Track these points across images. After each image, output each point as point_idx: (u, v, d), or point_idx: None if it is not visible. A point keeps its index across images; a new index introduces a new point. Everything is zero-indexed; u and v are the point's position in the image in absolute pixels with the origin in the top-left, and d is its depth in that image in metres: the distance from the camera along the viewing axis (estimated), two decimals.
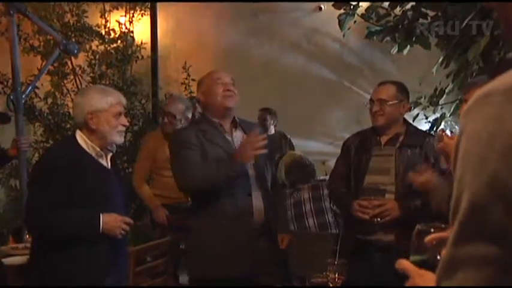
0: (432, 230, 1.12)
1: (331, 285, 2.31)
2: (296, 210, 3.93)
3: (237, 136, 3.02)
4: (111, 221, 2.57)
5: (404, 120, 3.13)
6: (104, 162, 2.67)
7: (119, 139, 2.69)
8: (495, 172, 0.70)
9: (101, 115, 2.62)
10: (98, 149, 2.64)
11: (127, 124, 2.75)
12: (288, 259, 3.08)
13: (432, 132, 4.16)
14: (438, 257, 1.02)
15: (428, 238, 1.09)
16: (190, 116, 4.16)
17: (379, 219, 2.89)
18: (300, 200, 3.90)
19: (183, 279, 3.96)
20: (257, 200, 2.90)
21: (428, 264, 1.04)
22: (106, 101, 2.63)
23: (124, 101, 2.74)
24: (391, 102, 3.01)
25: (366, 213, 2.90)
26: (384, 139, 3.06)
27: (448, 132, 2.87)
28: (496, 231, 0.71)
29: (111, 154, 2.72)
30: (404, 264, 1.07)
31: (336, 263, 2.34)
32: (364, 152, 3.05)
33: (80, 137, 2.64)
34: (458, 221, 0.75)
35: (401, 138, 3.02)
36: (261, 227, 2.89)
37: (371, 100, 3.07)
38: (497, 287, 0.72)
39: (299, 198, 3.90)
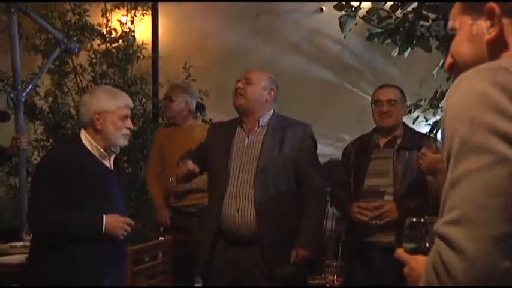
0: (422, 220, 1.24)
1: (328, 286, 2.31)
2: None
3: (254, 139, 2.90)
4: (113, 222, 2.57)
5: (403, 122, 3.15)
6: (106, 163, 2.67)
7: (123, 142, 2.68)
8: (477, 117, 0.90)
9: (107, 116, 2.61)
10: (102, 150, 2.63)
11: (132, 127, 2.74)
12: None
13: (432, 134, 4.16)
14: (427, 245, 1.20)
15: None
16: (192, 102, 4.05)
17: (378, 221, 2.89)
18: None
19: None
20: (246, 215, 2.79)
21: (419, 251, 1.19)
22: (114, 103, 2.62)
23: (131, 104, 2.73)
24: (399, 104, 3.04)
25: (364, 215, 2.91)
26: (382, 141, 3.07)
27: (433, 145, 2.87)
28: (484, 148, 0.87)
29: (114, 156, 2.71)
30: (399, 253, 1.24)
31: (334, 264, 2.34)
32: (364, 156, 3.05)
33: (85, 137, 2.63)
34: (453, 156, 0.91)
35: (399, 141, 3.03)
36: (245, 241, 2.81)
37: (378, 101, 3.06)
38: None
39: None
